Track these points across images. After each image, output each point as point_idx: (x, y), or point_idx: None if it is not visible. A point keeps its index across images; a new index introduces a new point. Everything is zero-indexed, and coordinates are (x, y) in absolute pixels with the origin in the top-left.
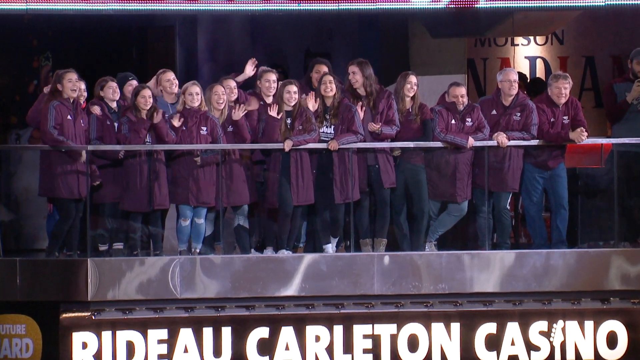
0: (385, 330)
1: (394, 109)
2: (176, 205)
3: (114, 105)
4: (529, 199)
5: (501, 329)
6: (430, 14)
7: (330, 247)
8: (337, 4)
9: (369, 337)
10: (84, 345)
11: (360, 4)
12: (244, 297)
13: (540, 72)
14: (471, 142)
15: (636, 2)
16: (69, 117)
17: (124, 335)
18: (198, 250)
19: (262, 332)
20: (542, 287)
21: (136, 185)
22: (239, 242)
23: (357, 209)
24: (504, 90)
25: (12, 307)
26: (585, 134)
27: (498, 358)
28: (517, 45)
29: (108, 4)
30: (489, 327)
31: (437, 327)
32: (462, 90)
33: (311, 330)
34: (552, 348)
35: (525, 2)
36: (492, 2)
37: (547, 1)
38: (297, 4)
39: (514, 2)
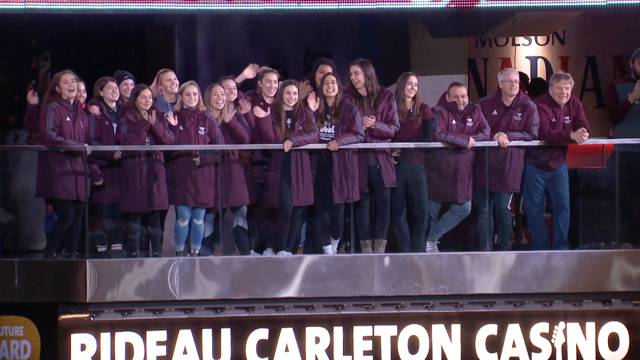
0: (385, 331)
1: (394, 110)
2: (175, 206)
3: (113, 105)
4: (530, 199)
5: (502, 331)
6: (430, 13)
7: (330, 249)
8: (337, 4)
9: (369, 339)
10: (83, 347)
11: (360, 4)
12: (243, 299)
13: (541, 72)
14: (472, 142)
15: (637, 1)
16: (68, 118)
17: (122, 337)
18: (197, 252)
19: (262, 333)
20: (543, 289)
21: (135, 186)
22: (239, 243)
23: (357, 209)
24: (504, 90)
25: (10, 308)
26: (587, 134)
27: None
28: (518, 45)
29: (107, 4)
30: (490, 329)
31: (438, 329)
32: (463, 91)
33: (311, 332)
34: (554, 349)
35: (526, 1)
36: (493, 2)
37: (548, 1)
38: (297, 4)
39: (515, 1)
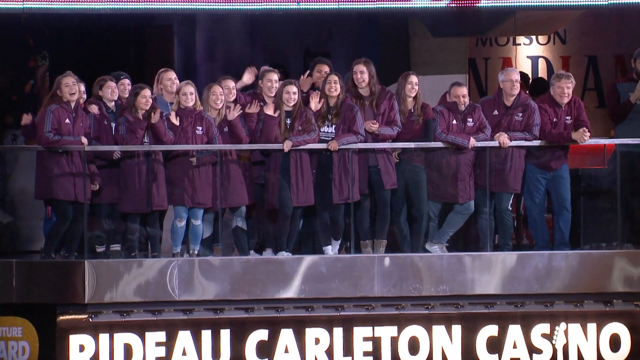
0: (385, 332)
1: (395, 110)
2: (173, 206)
3: (112, 105)
4: (531, 200)
5: (503, 332)
6: (431, 13)
7: (330, 249)
8: (337, 4)
9: (369, 340)
10: (81, 348)
11: (360, 4)
12: (243, 299)
13: (542, 72)
14: (472, 142)
15: (639, 1)
16: (67, 120)
17: (121, 338)
18: (196, 252)
19: (261, 334)
20: (544, 289)
21: (134, 186)
22: (238, 243)
23: (357, 210)
24: (505, 90)
25: (8, 309)
26: (588, 134)
27: None
28: (519, 44)
29: (105, 3)
30: (491, 330)
31: (438, 330)
32: (464, 90)
33: (311, 333)
34: (555, 350)
35: (527, 1)
36: (493, 1)
37: (550, 0)
38: (296, 4)
39: (515, 1)
